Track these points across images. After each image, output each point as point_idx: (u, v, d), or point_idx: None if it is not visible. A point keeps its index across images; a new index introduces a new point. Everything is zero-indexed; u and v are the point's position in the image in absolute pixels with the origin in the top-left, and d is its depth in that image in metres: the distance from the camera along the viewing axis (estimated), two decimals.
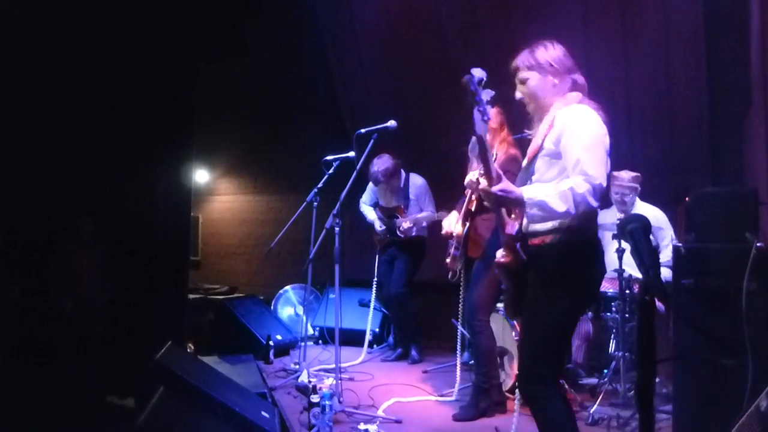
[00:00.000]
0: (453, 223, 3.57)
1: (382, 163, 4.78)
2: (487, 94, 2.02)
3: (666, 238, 3.91)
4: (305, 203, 4.24)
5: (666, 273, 3.16)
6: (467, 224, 3.47)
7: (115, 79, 4.76)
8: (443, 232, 3.66)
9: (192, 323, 5.31)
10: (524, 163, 2.29)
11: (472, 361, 3.77)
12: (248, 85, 6.89)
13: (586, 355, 4.12)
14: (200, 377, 2.92)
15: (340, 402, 3.40)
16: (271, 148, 7.18)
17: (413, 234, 4.85)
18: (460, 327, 3.94)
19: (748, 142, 3.87)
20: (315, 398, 3.07)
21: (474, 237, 3.50)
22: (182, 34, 4.78)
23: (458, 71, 2.07)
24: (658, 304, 1.51)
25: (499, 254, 2.22)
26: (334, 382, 3.46)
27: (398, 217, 4.89)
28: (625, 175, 3.88)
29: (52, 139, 4.84)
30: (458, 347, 3.95)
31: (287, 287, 6.16)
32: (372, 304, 5.26)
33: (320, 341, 5.52)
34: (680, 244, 2.79)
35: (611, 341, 3.81)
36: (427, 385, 4.15)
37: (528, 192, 2.03)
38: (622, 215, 3.86)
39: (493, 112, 3.42)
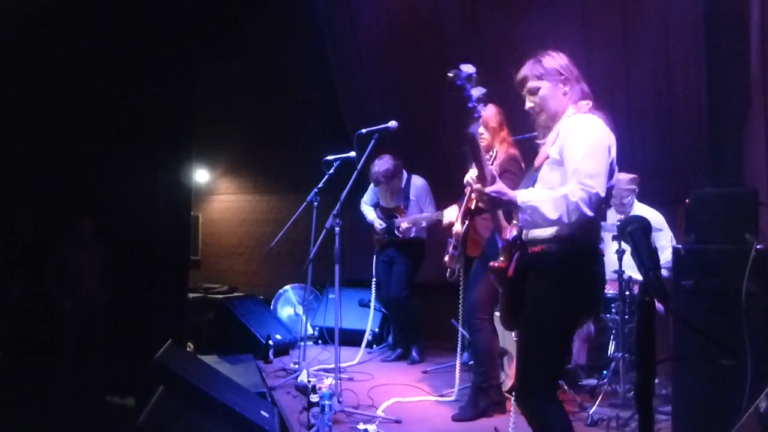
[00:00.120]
0: (453, 216, 3.56)
1: (382, 164, 4.78)
2: (477, 91, 1.97)
3: (661, 240, 3.90)
4: (305, 203, 4.24)
5: (664, 275, 3.16)
6: (466, 223, 3.47)
7: (115, 79, 4.76)
8: (444, 222, 3.66)
9: (192, 323, 5.31)
10: (532, 170, 2.25)
11: (472, 362, 3.77)
12: (248, 85, 6.89)
13: (588, 356, 4.12)
14: (200, 377, 2.92)
15: (339, 402, 3.41)
16: (271, 147, 7.18)
17: (412, 234, 4.85)
18: (460, 327, 3.94)
19: (748, 142, 3.87)
20: (314, 398, 3.07)
21: (473, 236, 3.49)
22: (182, 34, 4.78)
23: (478, 81, 2.05)
24: (658, 305, 1.50)
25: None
26: (334, 381, 3.46)
27: (397, 217, 4.89)
28: (623, 177, 3.88)
29: (52, 139, 4.85)
30: (458, 347, 3.95)
31: (287, 287, 6.16)
32: (372, 305, 5.27)
33: (320, 341, 5.52)
34: (680, 245, 2.79)
35: (611, 342, 3.81)
36: (427, 386, 4.15)
37: (522, 195, 1.99)
38: (622, 216, 3.86)
39: (492, 111, 3.45)
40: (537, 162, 2.20)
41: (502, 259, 2.17)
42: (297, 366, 4.41)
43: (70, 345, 4.64)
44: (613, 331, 3.76)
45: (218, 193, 7.82)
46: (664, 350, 2.96)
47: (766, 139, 3.22)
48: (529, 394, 2.11)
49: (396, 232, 4.84)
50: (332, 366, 3.80)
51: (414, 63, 5.68)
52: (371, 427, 3.18)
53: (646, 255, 1.51)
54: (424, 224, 4.84)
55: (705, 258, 2.71)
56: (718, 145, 4.40)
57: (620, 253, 3.53)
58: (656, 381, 2.22)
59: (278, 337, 5.14)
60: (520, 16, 4.92)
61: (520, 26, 4.83)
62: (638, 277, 2.07)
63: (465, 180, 2.41)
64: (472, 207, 3.44)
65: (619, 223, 1.77)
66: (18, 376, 4.43)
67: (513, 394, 3.70)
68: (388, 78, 6.01)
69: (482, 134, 3.42)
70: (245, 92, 6.92)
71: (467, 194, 3.48)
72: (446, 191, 4.44)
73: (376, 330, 5.44)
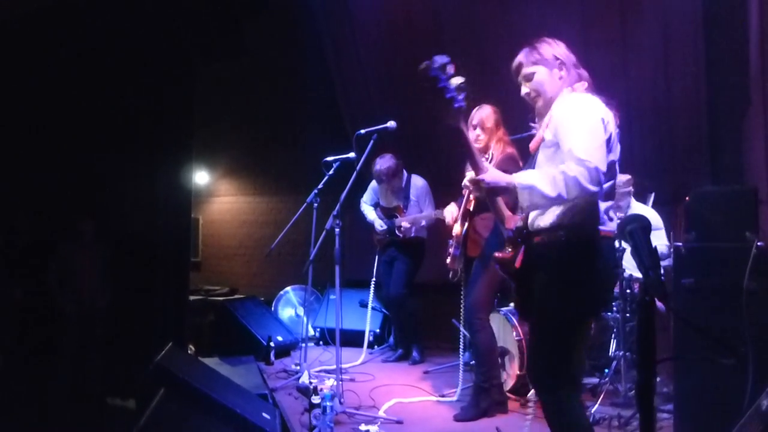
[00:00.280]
0: (454, 212, 3.56)
1: (384, 162, 4.80)
2: (456, 80, 1.93)
3: (657, 239, 3.90)
4: (305, 204, 4.24)
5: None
6: (466, 224, 3.47)
7: (115, 80, 4.76)
8: (447, 221, 3.66)
9: (192, 325, 5.30)
10: (531, 158, 2.23)
11: (473, 362, 3.77)
12: (248, 86, 6.90)
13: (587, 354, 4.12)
14: (201, 379, 2.91)
15: (341, 403, 3.40)
16: (271, 149, 7.19)
17: (412, 234, 4.86)
18: (461, 327, 3.94)
19: (747, 141, 3.88)
20: (316, 399, 3.06)
21: (473, 236, 3.50)
22: (182, 34, 4.78)
23: (457, 71, 2.04)
24: (659, 303, 1.50)
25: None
26: (335, 383, 3.46)
27: (397, 217, 4.90)
28: (619, 179, 3.88)
29: (52, 141, 4.84)
30: (460, 348, 3.95)
31: (288, 288, 6.16)
32: (370, 305, 5.27)
33: (321, 342, 5.52)
34: (680, 244, 2.79)
35: (612, 341, 3.81)
36: (428, 386, 4.15)
37: (518, 177, 1.98)
38: (622, 214, 3.86)
39: (488, 112, 3.46)
40: (532, 146, 2.18)
41: (509, 249, 2.13)
42: (298, 367, 4.40)
43: (71, 346, 4.63)
44: (614, 330, 3.76)
45: (218, 195, 7.82)
46: (665, 349, 2.95)
47: (765, 138, 3.23)
48: (542, 389, 2.09)
49: (396, 231, 4.84)
50: (333, 367, 3.80)
51: (413, 63, 5.62)
52: (373, 428, 3.17)
53: (645, 254, 1.51)
54: (423, 224, 4.84)
55: (705, 256, 2.71)
56: (718, 144, 4.41)
57: (620, 251, 3.53)
58: (658, 379, 2.22)
59: (279, 338, 5.13)
60: (519, 16, 4.93)
61: (519, 26, 4.84)
62: (639, 275, 2.05)
63: (463, 182, 2.41)
64: (471, 208, 3.44)
65: (618, 222, 1.76)
66: (18, 378, 4.42)
67: (515, 394, 3.74)
68: (388, 78, 6.01)
69: (479, 136, 3.44)
70: (244, 93, 6.92)
71: (466, 196, 3.49)
72: (446, 191, 4.44)
73: (377, 331, 5.44)
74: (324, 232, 3.73)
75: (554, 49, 2.14)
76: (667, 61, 4.62)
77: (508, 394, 3.68)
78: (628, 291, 3.62)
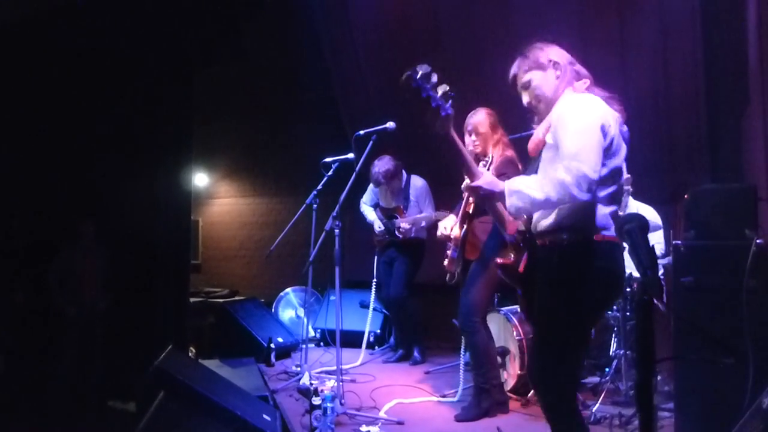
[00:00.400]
0: (449, 227, 3.54)
1: (383, 165, 4.79)
2: (441, 89, 1.92)
3: (656, 238, 3.89)
4: (305, 206, 4.24)
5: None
6: (464, 227, 3.47)
7: (115, 81, 4.76)
8: (438, 234, 3.58)
9: (193, 327, 5.30)
10: (531, 161, 2.22)
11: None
12: (247, 88, 6.90)
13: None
14: (201, 381, 2.92)
15: (341, 404, 3.40)
16: (270, 150, 7.19)
17: (412, 235, 4.85)
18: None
19: (746, 140, 3.88)
20: (317, 400, 3.07)
21: (471, 239, 3.49)
22: (181, 36, 4.78)
23: (456, 72, 2.04)
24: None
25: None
26: (336, 384, 3.46)
27: (397, 218, 4.90)
28: None
29: (52, 143, 4.85)
30: (462, 348, 3.95)
31: (288, 290, 6.16)
32: (371, 305, 5.27)
33: (321, 343, 5.52)
34: (679, 242, 2.79)
35: (612, 340, 3.81)
36: (429, 386, 4.15)
37: (509, 183, 1.97)
38: (621, 213, 3.86)
39: (482, 116, 3.46)
40: (530, 147, 2.16)
41: (511, 255, 2.12)
42: (299, 369, 4.40)
43: (71, 348, 4.64)
44: (615, 329, 3.76)
45: (218, 197, 7.83)
46: (665, 348, 2.95)
47: (764, 137, 3.22)
48: (542, 389, 2.08)
49: (396, 232, 4.84)
50: (334, 368, 3.80)
51: (411, 64, 5.67)
52: (374, 429, 3.18)
53: (644, 254, 1.50)
54: (423, 224, 4.84)
55: (705, 254, 2.71)
56: (717, 142, 4.41)
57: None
58: (658, 378, 2.22)
59: (280, 339, 5.13)
60: (518, 17, 4.93)
61: (518, 26, 4.84)
62: (638, 274, 2.05)
63: (462, 186, 2.40)
64: (470, 211, 3.44)
65: (617, 221, 1.76)
66: (19, 380, 4.42)
67: (515, 394, 3.74)
68: (387, 79, 6.00)
69: (474, 142, 3.44)
70: (244, 95, 6.93)
71: (465, 198, 3.49)
72: (446, 191, 4.44)
73: (378, 331, 5.44)
74: (324, 233, 3.73)
75: (546, 52, 2.13)
76: (666, 61, 4.62)
77: (509, 394, 3.67)
78: (628, 290, 3.62)
